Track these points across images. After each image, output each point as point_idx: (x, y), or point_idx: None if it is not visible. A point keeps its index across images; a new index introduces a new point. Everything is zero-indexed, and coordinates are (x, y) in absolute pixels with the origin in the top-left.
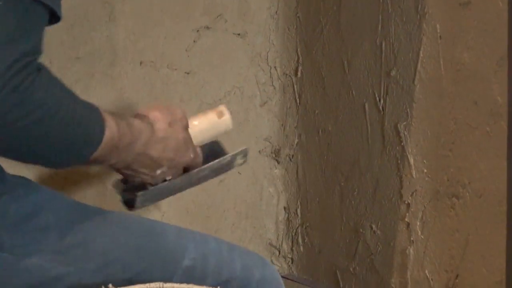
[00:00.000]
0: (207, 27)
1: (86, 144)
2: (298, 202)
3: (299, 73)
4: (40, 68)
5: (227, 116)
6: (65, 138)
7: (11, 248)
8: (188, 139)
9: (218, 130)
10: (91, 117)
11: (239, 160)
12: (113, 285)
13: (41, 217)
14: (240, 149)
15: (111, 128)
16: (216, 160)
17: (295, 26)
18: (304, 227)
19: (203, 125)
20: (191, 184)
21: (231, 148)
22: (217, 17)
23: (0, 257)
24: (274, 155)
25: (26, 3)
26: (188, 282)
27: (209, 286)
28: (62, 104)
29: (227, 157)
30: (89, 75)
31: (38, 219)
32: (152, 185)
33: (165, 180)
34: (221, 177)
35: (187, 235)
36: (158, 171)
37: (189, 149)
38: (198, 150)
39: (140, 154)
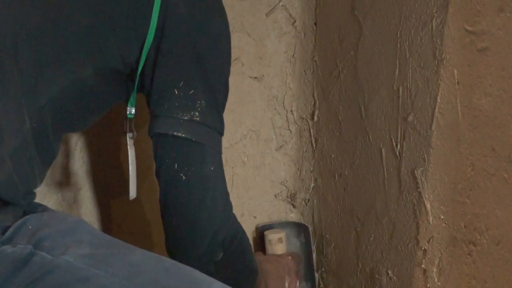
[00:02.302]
0: None
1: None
2: (314, 247)
3: (315, 117)
4: None
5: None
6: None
7: (49, 249)
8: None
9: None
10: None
11: None
12: None
13: (77, 234)
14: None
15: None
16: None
17: (311, 70)
18: (319, 272)
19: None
20: None
21: (246, 193)
22: (234, 60)
23: (38, 255)
24: (290, 199)
25: None
26: None
27: None
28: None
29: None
30: None
31: (74, 235)
32: None
33: None
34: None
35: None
36: None
37: (293, 284)
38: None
39: None
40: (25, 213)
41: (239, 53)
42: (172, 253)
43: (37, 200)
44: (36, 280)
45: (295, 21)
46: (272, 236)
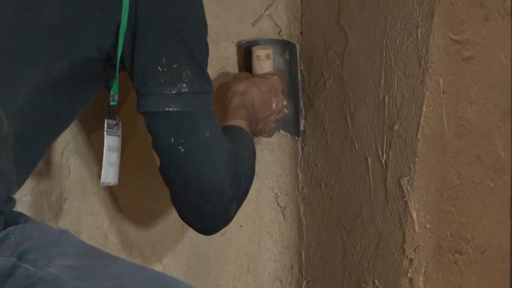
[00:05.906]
0: None
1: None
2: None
3: (301, 127)
4: None
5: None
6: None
7: (33, 262)
8: (279, 100)
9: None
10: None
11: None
12: None
13: (61, 246)
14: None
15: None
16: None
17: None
18: (306, 281)
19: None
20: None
21: None
22: (220, 69)
23: (21, 267)
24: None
25: None
26: None
27: None
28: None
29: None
30: None
31: (58, 246)
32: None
33: None
34: (223, 230)
35: None
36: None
37: (280, 105)
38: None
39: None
40: (6, 223)
41: (225, 62)
42: (184, 219)
43: (23, 210)
44: None
45: (281, 31)
46: (260, 52)
